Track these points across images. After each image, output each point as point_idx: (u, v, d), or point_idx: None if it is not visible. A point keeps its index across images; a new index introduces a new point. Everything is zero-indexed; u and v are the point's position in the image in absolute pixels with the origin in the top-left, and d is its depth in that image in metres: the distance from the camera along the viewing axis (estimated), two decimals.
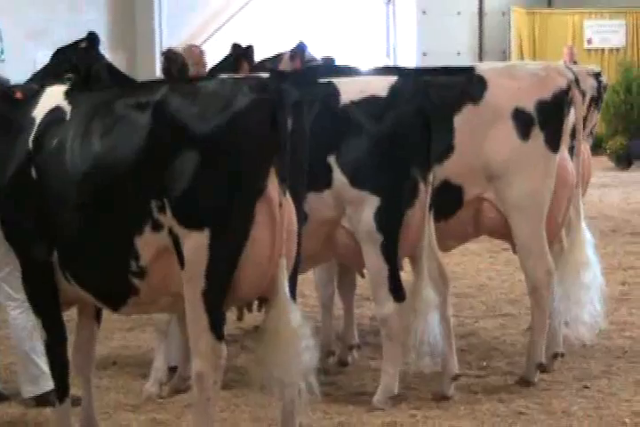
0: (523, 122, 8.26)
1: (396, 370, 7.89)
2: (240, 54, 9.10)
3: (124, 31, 18.06)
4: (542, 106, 8.30)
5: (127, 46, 16.79)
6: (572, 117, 8.45)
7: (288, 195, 6.24)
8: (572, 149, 8.53)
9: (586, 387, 8.25)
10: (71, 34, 13.11)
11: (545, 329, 8.41)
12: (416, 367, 8.22)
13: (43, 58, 12.18)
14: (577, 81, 8.39)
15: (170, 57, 8.27)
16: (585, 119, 9.85)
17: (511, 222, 8.30)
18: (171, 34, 18.84)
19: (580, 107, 8.42)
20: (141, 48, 17.90)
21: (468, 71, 8.54)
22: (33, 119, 6.81)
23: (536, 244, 8.33)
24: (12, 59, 8.80)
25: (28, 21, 16.34)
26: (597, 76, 10.12)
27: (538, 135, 8.26)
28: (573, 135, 8.53)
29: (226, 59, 9.28)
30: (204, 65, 9.64)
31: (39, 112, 6.82)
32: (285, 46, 12.98)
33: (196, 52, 9.76)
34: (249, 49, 9.23)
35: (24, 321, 8.10)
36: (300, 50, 11.15)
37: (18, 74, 8.70)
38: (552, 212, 8.38)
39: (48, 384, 7.83)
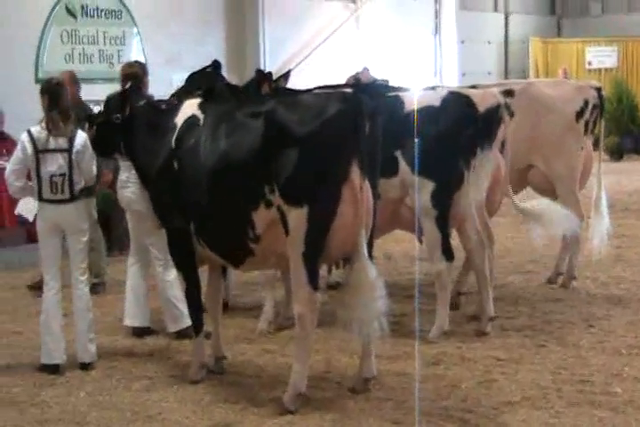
0: None
1: (447, 312, 7.89)
2: (262, 77, 9.06)
3: (236, 58, 18.09)
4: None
5: (239, 70, 16.79)
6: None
7: (366, 180, 6.22)
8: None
9: (591, 326, 8.19)
10: (197, 61, 13.12)
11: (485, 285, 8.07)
12: (462, 310, 8.23)
13: (176, 79, 12.25)
14: (506, 104, 8.02)
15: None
16: (587, 122, 9.73)
17: None
18: (271, 60, 18.89)
19: (507, 123, 8.04)
20: (249, 71, 17.95)
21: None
22: (175, 124, 6.87)
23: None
24: (154, 80, 8.86)
25: (165, 51, 16.43)
26: (598, 89, 9.93)
27: None
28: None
29: (252, 80, 9.24)
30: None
31: (180, 119, 6.88)
32: (355, 70, 12.98)
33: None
34: (269, 73, 9.23)
35: (166, 275, 8.19)
36: (357, 76, 11.12)
37: (158, 91, 8.72)
38: (489, 199, 8.18)
39: (186, 322, 7.91)
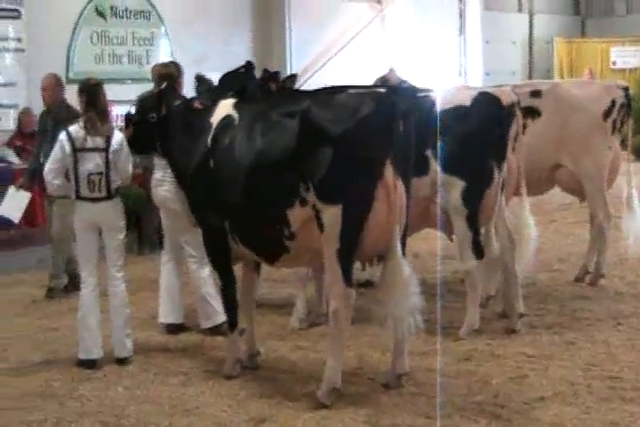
0: None
1: (477, 310, 7.96)
2: (269, 76, 9.14)
3: (262, 58, 18.18)
4: None
5: None
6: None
7: (400, 179, 6.31)
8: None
9: (619, 324, 8.25)
10: (224, 61, 13.30)
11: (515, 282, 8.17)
12: (491, 308, 8.29)
13: None
14: (518, 102, 8.05)
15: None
16: (615, 121, 9.76)
17: None
18: (297, 60, 19.03)
19: (519, 120, 8.06)
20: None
21: None
22: (211, 124, 6.96)
23: None
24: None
25: (193, 51, 16.54)
26: (625, 89, 9.96)
27: None
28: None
29: (259, 80, 9.33)
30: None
31: (215, 119, 6.97)
32: (380, 72, 13.00)
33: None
34: (276, 73, 9.32)
35: (200, 272, 8.30)
36: (385, 78, 11.25)
37: (186, 91, 8.81)
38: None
39: (219, 319, 8.05)
